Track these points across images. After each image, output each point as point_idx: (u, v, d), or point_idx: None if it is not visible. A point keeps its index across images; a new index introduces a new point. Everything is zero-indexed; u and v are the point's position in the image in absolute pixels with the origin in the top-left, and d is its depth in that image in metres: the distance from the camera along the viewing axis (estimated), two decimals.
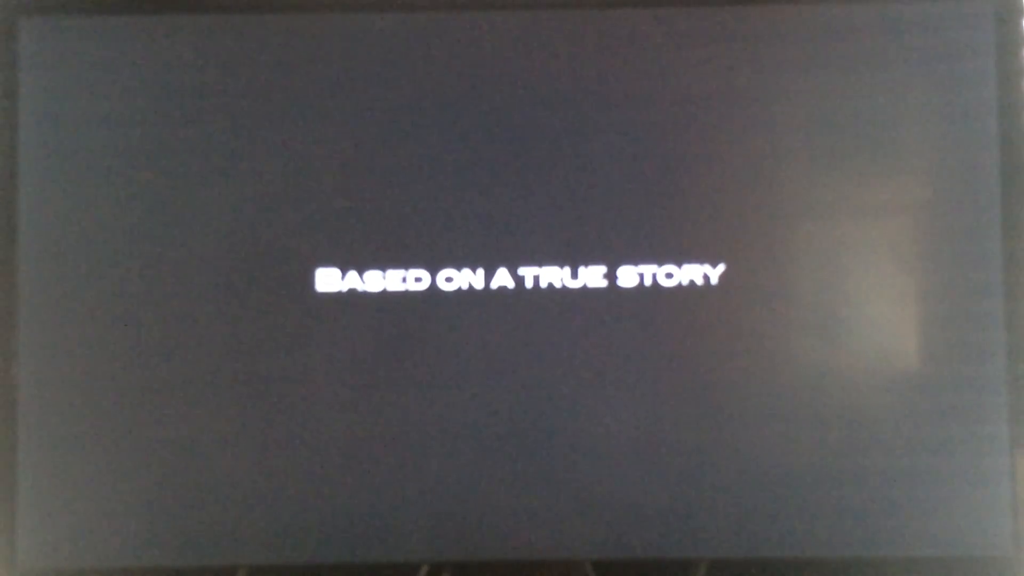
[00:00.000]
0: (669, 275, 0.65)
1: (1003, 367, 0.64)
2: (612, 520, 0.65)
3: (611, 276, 0.65)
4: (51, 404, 0.65)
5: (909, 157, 0.65)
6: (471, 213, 0.66)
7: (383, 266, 0.65)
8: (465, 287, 0.65)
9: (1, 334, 0.65)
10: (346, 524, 0.65)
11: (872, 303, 0.65)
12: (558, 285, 0.65)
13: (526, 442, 0.65)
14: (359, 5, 0.67)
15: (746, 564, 0.65)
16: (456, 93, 0.66)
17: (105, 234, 0.65)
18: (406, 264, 0.65)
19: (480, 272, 0.65)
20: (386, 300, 0.65)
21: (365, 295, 0.65)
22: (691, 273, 0.65)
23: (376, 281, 0.65)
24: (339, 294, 0.65)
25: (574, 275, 0.65)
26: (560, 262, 0.65)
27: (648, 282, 0.65)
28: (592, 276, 0.65)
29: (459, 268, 0.65)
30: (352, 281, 0.65)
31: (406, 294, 0.65)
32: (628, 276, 0.65)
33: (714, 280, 0.65)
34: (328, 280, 0.65)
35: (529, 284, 0.65)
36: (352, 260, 0.65)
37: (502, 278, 0.65)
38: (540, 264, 0.65)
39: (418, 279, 0.65)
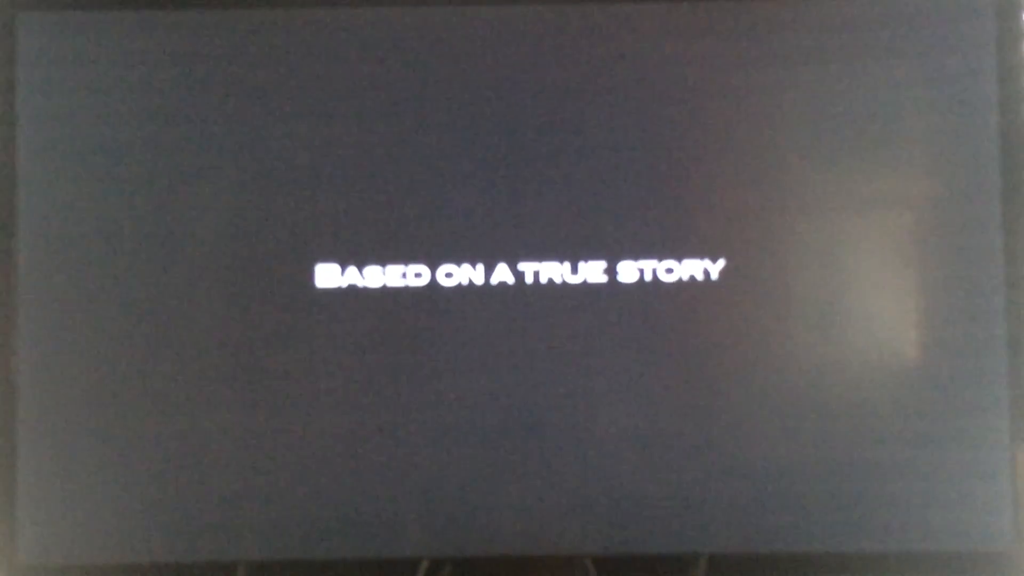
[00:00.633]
0: (669, 270, 0.65)
1: (1003, 361, 0.64)
2: (612, 515, 0.65)
3: (611, 271, 0.65)
4: (51, 400, 0.65)
5: (909, 151, 0.65)
6: (471, 208, 0.66)
7: (383, 262, 0.65)
8: (465, 283, 0.65)
9: (1, 330, 0.65)
10: (346, 519, 0.65)
11: (872, 297, 0.65)
12: (558, 280, 0.65)
13: (526, 437, 0.65)
14: (360, 0, 0.66)
15: (746, 559, 0.65)
16: (456, 88, 0.66)
17: (104, 230, 0.65)
18: (406, 260, 0.65)
19: (480, 268, 0.65)
20: (386, 296, 0.65)
21: (365, 291, 0.65)
22: (691, 268, 0.65)
23: (376, 277, 0.65)
24: (339, 290, 0.65)
25: (574, 270, 0.65)
26: (560, 257, 0.65)
27: (648, 277, 0.65)
28: (592, 271, 0.65)
29: (459, 264, 0.65)
30: (352, 277, 0.65)
31: (406, 290, 0.65)
32: (628, 271, 0.65)
33: (714, 275, 0.65)
34: (328, 276, 0.65)
35: (529, 280, 0.65)
36: (352, 256, 0.65)
37: (502, 273, 0.65)
38: (540, 259, 0.65)
39: (418, 275, 0.65)
